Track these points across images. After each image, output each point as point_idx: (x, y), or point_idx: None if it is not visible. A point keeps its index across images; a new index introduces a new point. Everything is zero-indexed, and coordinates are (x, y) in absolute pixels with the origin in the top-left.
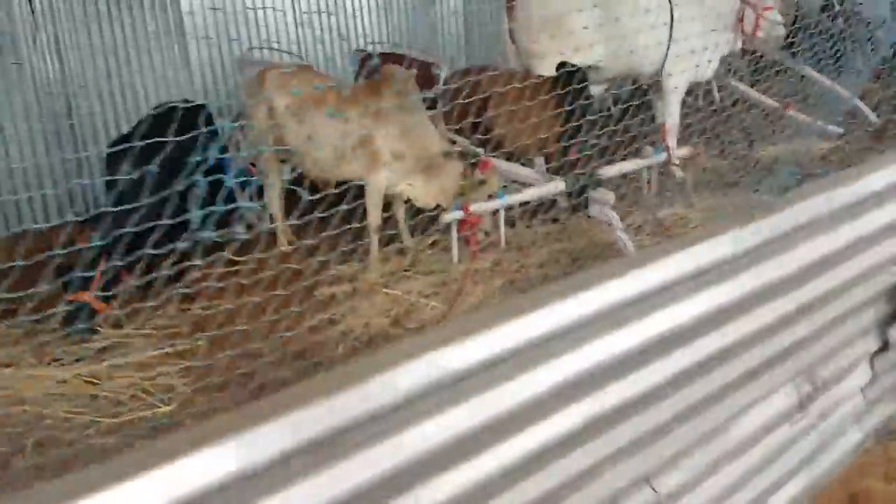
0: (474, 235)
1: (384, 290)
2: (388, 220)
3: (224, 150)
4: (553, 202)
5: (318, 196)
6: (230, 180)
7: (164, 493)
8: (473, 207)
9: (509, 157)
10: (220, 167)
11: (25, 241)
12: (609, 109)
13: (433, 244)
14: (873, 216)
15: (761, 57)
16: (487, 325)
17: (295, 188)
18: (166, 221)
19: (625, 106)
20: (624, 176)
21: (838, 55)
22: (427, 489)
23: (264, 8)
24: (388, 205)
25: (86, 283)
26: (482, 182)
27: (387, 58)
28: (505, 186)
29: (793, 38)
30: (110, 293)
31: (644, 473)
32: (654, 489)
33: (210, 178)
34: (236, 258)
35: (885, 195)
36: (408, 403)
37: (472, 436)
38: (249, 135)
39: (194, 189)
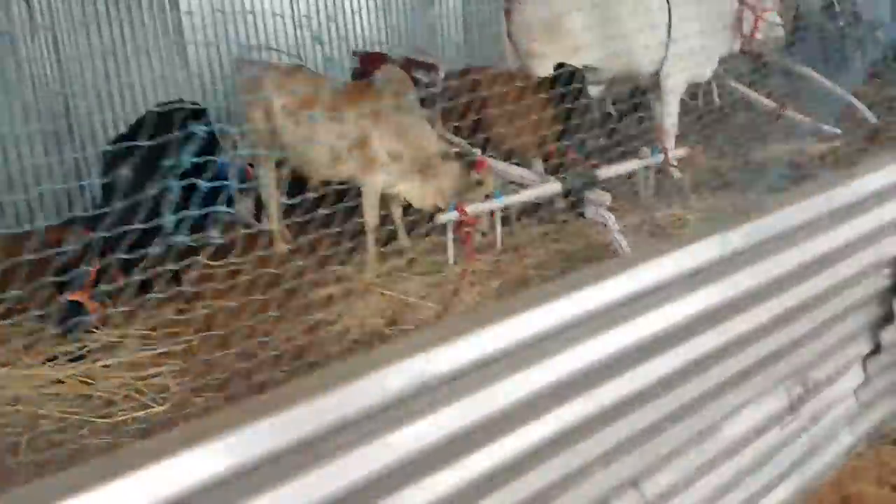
0: (470, 236)
1: (380, 290)
2: (384, 220)
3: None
4: (550, 203)
5: (310, 195)
6: (202, 185)
7: (153, 492)
8: (469, 208)
9: (507, 158)
10: (217, 169)
11: (21, 241)
12: (607, 110)
13: (429, 245)
14: (865, 218)
15: (760, 57)
16: (475, 326)
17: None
18: (155, 223)
19: (623, 106)
20: (621, 177)
21: (837, 55)
22: (418, 489)
23: (269, 16)
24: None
25: (79, 284)
26: (479, 183)
27: (384, 58)
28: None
29: (792, 38)
30: (104, 293)
31: (633, 475)
32: (641, 494)
33: (185, 182)
34: (234, 259)
35: (878, 197)
36: (398, 403)
37: (463, 436)
38: (246, 135)
39: (168, 193)
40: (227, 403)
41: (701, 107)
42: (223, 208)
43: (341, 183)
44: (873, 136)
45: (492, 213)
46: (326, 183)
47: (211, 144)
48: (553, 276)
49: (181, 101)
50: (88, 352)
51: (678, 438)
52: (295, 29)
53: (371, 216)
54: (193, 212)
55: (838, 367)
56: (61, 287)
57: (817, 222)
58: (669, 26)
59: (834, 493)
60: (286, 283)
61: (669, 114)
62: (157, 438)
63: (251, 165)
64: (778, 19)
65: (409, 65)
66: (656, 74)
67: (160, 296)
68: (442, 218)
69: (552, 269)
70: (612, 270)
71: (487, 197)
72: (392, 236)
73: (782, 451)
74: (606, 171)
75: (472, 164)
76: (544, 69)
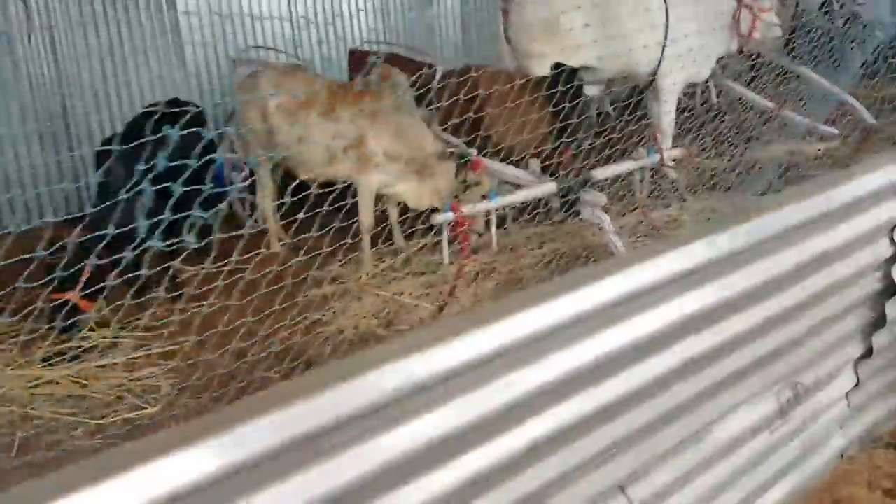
0: (466, 236)
1: (375, 291)
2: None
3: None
4: (546, 203)
5: (305, 194)
6: (176, 189)
7: (144, 492)
8: (465, 209)
9: (503, 158)
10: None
11: (14, 241)
12: (605, 110)
13: (424, 246)
14: (857, 221)
15: (758, 57)
16: (470, 326)
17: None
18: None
19: (621, 106)
20: (617, 177)
21: (836, 55)
22: (413, 489)
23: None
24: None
25: (72, 282)
26: (475, 183)
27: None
28: (501, 184)
29: (791, 37)
30: (96, 291)
31: (622, 478)
32: (630, 498)
33: (158, 188)
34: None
35: (869, 200)
36: (394, 403)
37: (456, 437)
38: (243, 135)
39: (141, 198)
40: (219, 404)
41: (698, 107)
42: (199, 213)
43: (337, 183)
44: (869, 136)
45: (487, 214)
46: (324, 184)
47: (206, 145)
48: (548, 277)
49: (177, 100)
50: (82, 352)
51: (667, 442)
52: (293, 29)
53: (366, 216)
54: (167, 216)
55: (830, 370)
56: (55, 286)
57: (809, 225)
58: (667, 26)
59: (826, 496)
60: (282, 283)
61: (666, 114)
62: (150, 439)
63: (247, 164)
64: (775, 19)
65: (399, 63)
66: (654, 74)
67: (154, 296)
68: (437, 218)
69: (547, 270)
70: (602, 272)
71: (483, 197)
72: (388, 237)
73: (773, 454)
74: (602, 172)
75: (468, 165)
76: (541, 69)
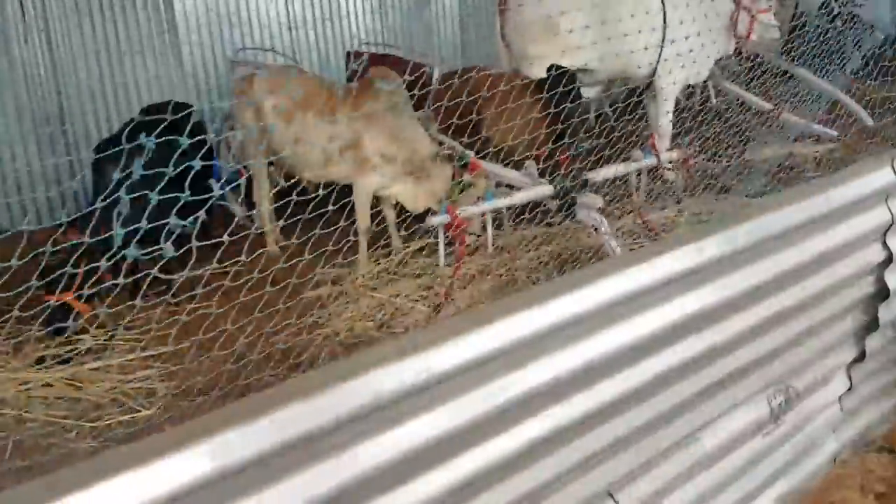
0: (461, 238)
1: (370, 293)
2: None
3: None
4: (542, 205)
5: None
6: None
7: (139, 495)
8: (460, 211)
9: (500, 160)
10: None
11: (10, 243)
12: (603, 111)
13: (421, 248)
14: (849, 225)
15: (756, 58)
16: (462, 330)
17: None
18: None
19: (620, 107)
20: (613, 179)
21: (835, 56)
22: (408, 490)
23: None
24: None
25: (67, 285)
26: (471, 185)
27: (378, 59)
28: (498, 186)
29: (790, 38)
30: (92, 294)
31: (613, 482)
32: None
33: (134, 196)
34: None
35: (862, 204)
36: (388, 406)
37: (452, 439)
38: (239, 136)
39: (119, 205)
40: (214, 406)
41: (696, 108)
42: (177, 220)
43: (334, 184)
44: (860, 139)
45: (483, 215)
46: (322, 185)
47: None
48: (544, 279)
49: (173, 102)
50: (77, 354)
51: (659, 446)
52: (290, 30)
53: (363, 217)
54: (144, 224)
55: (823, 374)
56: (49, 288)
57: (800, 229)
58: (665, 28)
59: (818, 500)
60: (279, 284)
61: (664, 115)
62: (144, 441)
63: (246, 167)
64: (773, 21)
65: (396, 65)
66: (652, 76)
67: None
68: (433, 220)
69: (543, 272)
70: (591, 276)
71: (479, 199)
72: (385, 237)
73: (766, 458)
74: (598, 174)
75: (464, 167)
76: (538, 71)
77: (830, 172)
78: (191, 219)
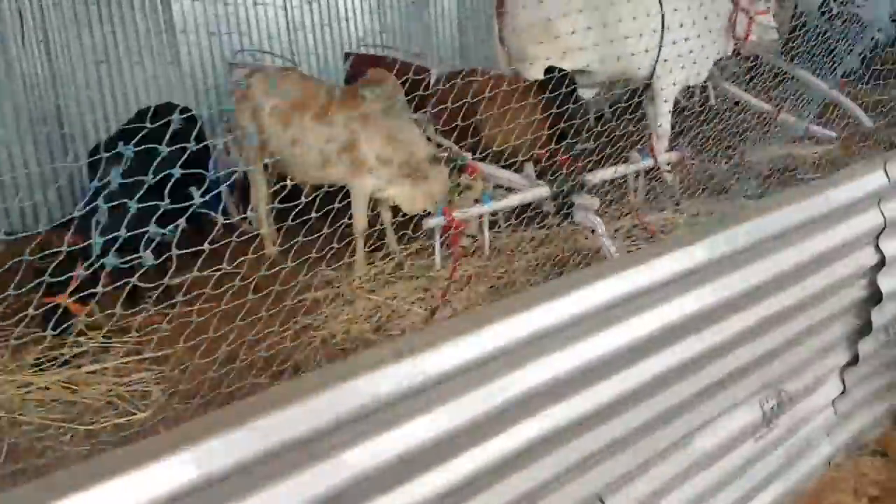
0: (457, 240)
1: (367, 295)
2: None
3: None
4: (539, 207)
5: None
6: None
7: (133, 498)
8: (456, 213)
9: (498, 162)
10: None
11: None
12: (602, 112)
13: (419, 250)
14: (842, 229)
15: (755, 59)
16: (455, 333)
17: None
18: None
19: (619, 108)
20: (612, 181)
21: (828, 58)
22: (403, 492)
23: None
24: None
25: (63, 286)
26: (468, 187)
27: (375, 60)
28: (496, 188)
29: (790, 38)
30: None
31: (605, 485)
32: None
33: (112, 204)
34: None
35: (854, 208)
36: (384, 407)
37: (447, 440)
38: (237, 138)
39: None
40: (210, 409)
41: (696, 109)
42: (156, 228)
43: (331, 186)
44: (851, 141)
45: (480, 217)
46: (317, 186)
47: (199, 150)
48: (541, 281)
49: (170, 104)
50: (73, 357)
51: (651, 449)
52: (289, 31)
53: (360, 220)
54: (122, 233)
55: (816, 378)
56: (46, 290)
57: (793, 233)
58: (663, 29)
59: (812, 503)
60: (274, 287)
61: (663, 116)
62: (139, 444)
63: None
64: (771, 22)
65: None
66: (650, 77)
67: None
68: (429, 222)
69: (540, 274)
70: (578, 282)
71: (476, 201)
72: (382, 238)
73: (759, 462)
74: (595, 176)
75: (461, 168)
76: (536, 72)
77: (828, 174)
78: (171, 227)
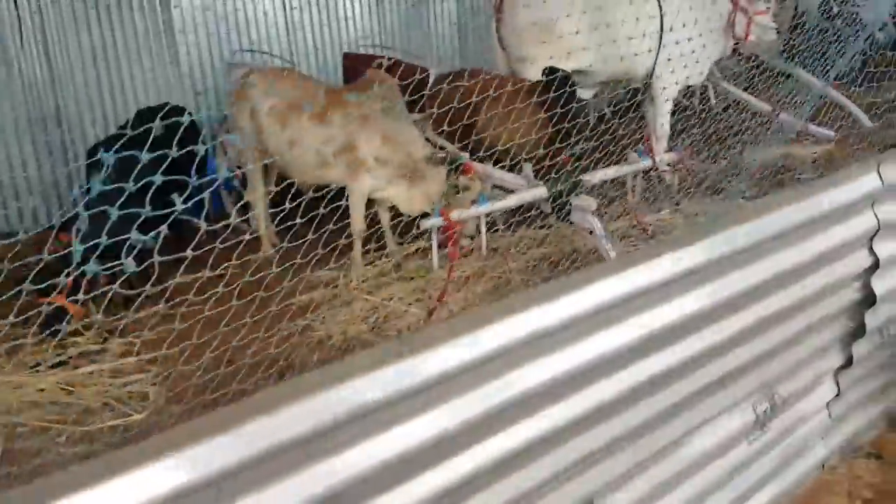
0: (454, 241)
1: (364, 296)
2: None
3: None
4: (537, 207)
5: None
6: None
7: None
8: (453, 214)
9: (496, 163)
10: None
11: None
12: (603, 112)
13: (416, 250)
14: (836, 231)
15: (755, 59)
16: (450, 335)
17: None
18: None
19: (620, 108)
20: (611, 182)
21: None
22: (402, 492)
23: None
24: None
25: (61, 287)
26: (465, 188)
27: (373, 61)
28: (494, 188)
29: (791, 39)
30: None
31: (597, 488)
32: None
33: (91, 212)
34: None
35: (848, 210)
36: (383, 408)
37: (443, 441)
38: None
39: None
40: (205, 411)
41: (697, 108)
42: (139, 236)
43: (328, 187)
44: (844, 142)
45: (477, 218)
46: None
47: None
48: (538, 282)
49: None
50: (69, 358)
51: (643, 452)
52: (288, 32)
53: (357, 220)
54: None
55: (810, 380)
56: (42, 291)
57: (787, 235)
58: (661, 30)
59: None
60: (274, 288)
61: (662, 116)
62: (133, 448)
63: (240, 167)
64: (770, 22)
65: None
66: (649, 78)
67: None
68: (426, 223)
69: (538, 275)
70: (578, 283)
71: (473, 202)
72: (380, 240)
73: (754, 464)
74: (593, 177)
75: (459, 169)
76: (535, 73)
77: (827, 173)
78: (152, 234)
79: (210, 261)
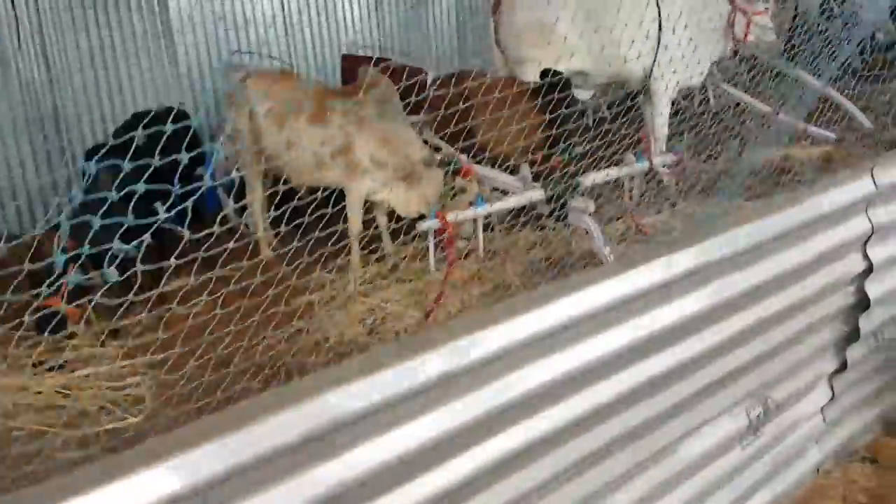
0: (451, 243)
1: (361, 298)
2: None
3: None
4: (534, 209)
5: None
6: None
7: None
8: (450, 216)
9: (494, 165)
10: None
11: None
12: (601, 114)
13: (413, 253)
14: (830, 235)
15: (754, 59)
16: (445, 340)
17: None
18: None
19: (617, 111)
20: (607, 183)
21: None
22: (401, 493)
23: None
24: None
25: (56, 289)
26: (462, 190)
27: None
28: (493, 190)
29: (790, 39)
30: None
31: (590, 494)
32: None
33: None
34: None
35: (841, 214)
36: (383, 409)
37: (438, 446)
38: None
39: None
40: (201, 415)
41: (696, 110)
42: (120, 245)
43: (325, 189)
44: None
45: (475, 220)
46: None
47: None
48: (535, 284)
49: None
50: (66, 361)
51: (636, 457)
52: (286, 33)
53: (355, 222)
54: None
55: (803, 385)
56: (38, 293)
57: (781, 239)
58: (659, 31)
59: None
60: (269, 290)
61: (660, 117)
62: (130, 451)
63: (238, 170)
64: (769, 23)
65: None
66: (647, 79)
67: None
68: (422, 225)
69: (535, 277)
70: (570, 287)
71: (471, 204)
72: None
73: (748, 469)
74: (589, 178)
75: (457, 171)
76: (532, 75)
77: (827, 175)
78: (134, 243)
79: (195, 262)
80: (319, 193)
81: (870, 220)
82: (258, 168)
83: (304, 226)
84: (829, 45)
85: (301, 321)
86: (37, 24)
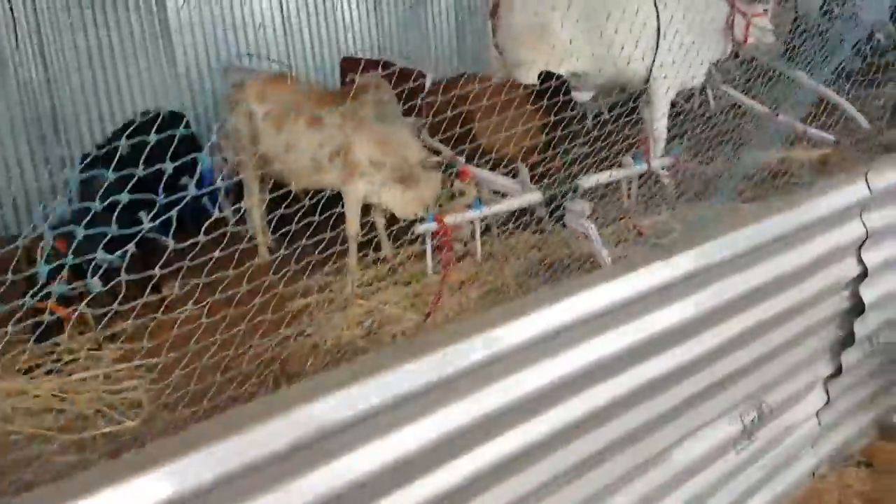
0: (449, 246)
1: (358, 301)
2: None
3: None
4: (533, 212)
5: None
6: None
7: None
8: (448, 218)
9: (493, 167)
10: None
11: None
12: (601, 115)
13: (410, 255)
14: (824, 240)
15: (753, 61)
16: (445, 342)
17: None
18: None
19: (617, 113)
20: (606, 185)
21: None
22: (401, 493)
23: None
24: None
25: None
26: (460, 192)
27: (371, 65)
28: (494, 194)
29: (791, 40)
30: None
31: (585, 500)
32: None
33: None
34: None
35: (837, 218)
36: (382, 411)
37: (436, 449)
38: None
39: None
40: (199, 418)
41: (695, 111)
42: (106, 255)
43: (323, 191)
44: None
45: (472, 223)
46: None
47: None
48: (533, 287)
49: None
50: (63, 365)
51: (630, 463)
52: (285, 34)
53: (352, 224)
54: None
55: (798, 389)
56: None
57: (776, 243)
58: (658, 32)
59: None
60: (268, 293)
61: (659, 119)
62: (125, 457)
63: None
64: (769, 24)
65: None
66: (646, 80)
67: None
68: (420, 228)
69: (533, 279)
70: (569, 290)
71: (468, 206)
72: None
73: (742, 473)
74: (588, 181)
75: (455, 174)
76: (531, 77)
77: (826, 177)
78: (118, 252)
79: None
80: (307, 200)
81: (864, 224)
82: (256, 171)
83: (291, 233)
84: (828, 46)
85: (289, 328)
86: (34, 24)
